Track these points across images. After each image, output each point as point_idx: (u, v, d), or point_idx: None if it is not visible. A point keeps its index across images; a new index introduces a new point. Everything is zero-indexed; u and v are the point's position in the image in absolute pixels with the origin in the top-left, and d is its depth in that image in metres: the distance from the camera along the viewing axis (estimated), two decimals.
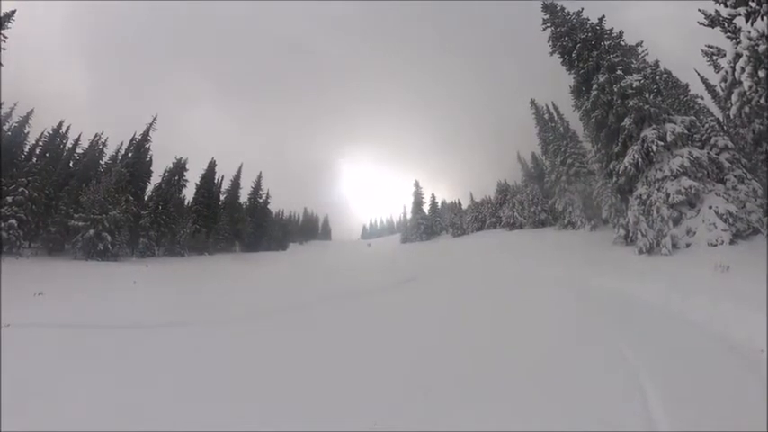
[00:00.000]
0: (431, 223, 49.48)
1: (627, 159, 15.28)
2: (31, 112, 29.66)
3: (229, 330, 7.02)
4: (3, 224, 20.85)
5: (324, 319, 8.25)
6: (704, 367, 3.91)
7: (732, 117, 11.55)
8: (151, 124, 32.56)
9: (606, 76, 16.34)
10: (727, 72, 10.71)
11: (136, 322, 7.40)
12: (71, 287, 12.65)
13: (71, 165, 30.77)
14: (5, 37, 19.00)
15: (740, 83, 10.13)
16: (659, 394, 3.33)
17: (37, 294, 10.03)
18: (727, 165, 14.62)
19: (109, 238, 23.47)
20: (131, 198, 26.95)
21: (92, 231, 22.91)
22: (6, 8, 19.56)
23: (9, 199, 21.91)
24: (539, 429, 2.97)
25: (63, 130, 31.31)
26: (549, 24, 19.63)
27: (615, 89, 15.95)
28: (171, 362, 5.15)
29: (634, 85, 15.55)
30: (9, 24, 19.28)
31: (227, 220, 37.94)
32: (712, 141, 16.01)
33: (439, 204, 54.23)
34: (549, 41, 19.56)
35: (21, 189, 22.50)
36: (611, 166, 16.94)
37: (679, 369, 3.90)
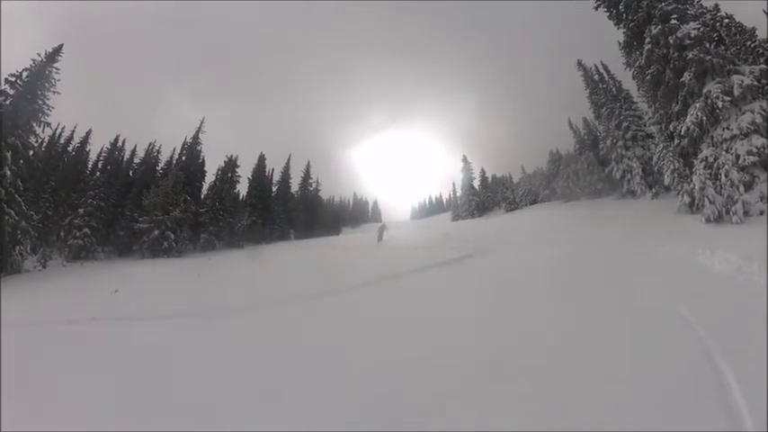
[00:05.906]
0: (482, 199, 48.03)
1: (689, 119, 13.96)
2: (90, 132, 34.11)
3: (282, 315, 7.21)
4: (78, 233, 23.89)
5: (379, 296, 8.32)
6: None
7: None
8: (200, 127, 34.41)
9: (659, 27, 14.89)
10: None
11: (198, 312, 7.89)
12: (142, 283, 13.79)
13: (131, 173, 33.65)
14: (57, 69, 20.59)
15: None
16: (731, 372, 3.14)
17: (114, 292, 11.11)
18: None
19: (172, 236, 25.56)
20: (189, 198, 28.71)
21: (156, 232, 25.02)
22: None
23: (81, 210, 24.94)
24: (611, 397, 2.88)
25: (119, 143, 35.10)
26: None
27: (671, 41, 14.51)
28: (233, 350, 5.41)
29: (692, 35, 14.05)
30: (59, 57, 20.67)
31: (280, 210, 39.65)
32: None
33: (489, 179, 52.75)
34: None
35: (90, 201, 25.54)
36: (671, 128, 15.60)
37: (752, 345, 3.60)
